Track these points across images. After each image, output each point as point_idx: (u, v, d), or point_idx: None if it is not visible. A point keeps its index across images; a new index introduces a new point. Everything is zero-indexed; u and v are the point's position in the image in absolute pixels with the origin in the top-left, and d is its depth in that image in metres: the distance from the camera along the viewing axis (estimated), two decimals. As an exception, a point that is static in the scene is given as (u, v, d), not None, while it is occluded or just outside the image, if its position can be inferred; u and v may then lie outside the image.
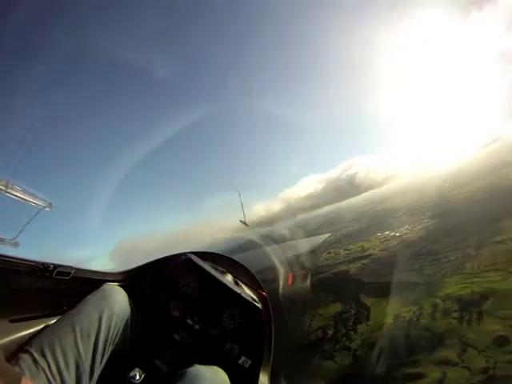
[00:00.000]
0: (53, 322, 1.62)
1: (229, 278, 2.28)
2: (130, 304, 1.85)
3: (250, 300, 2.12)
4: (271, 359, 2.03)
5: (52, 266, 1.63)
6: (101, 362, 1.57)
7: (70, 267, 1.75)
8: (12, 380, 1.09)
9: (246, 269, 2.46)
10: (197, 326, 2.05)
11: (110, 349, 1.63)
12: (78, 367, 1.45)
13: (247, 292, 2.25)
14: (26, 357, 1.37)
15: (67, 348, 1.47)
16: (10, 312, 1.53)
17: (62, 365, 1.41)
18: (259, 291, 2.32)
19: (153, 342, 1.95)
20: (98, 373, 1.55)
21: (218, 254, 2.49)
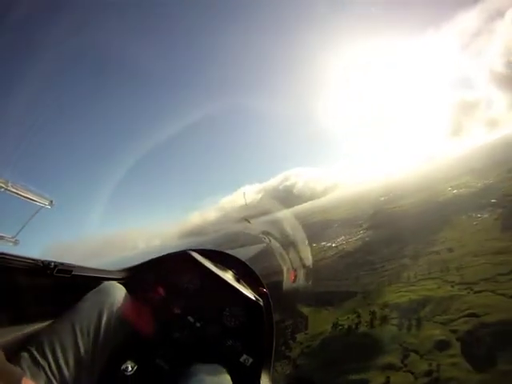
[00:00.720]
0: (54, 320, 1.68)
1: (230, 276, 2.32)
2: (131, 301, 1.93)
3: (251, 297, 2.18)
4: (273, 357, 2.08)
5: (53, 264, 1.71)
6: (101, 360, 1.65)
7: (71, 265, 1.83)
8: (13, 380, 1.15)
9: (247, 266, 2.50)
10: (198, 324, 2.12)
11: (110, 346, 1.71)
12: (78, 365, 1.53)
13: (248, 289, 2.27)
14: (26, 356, 1.44)
15: (68, 346, 1.54)
16: (10, 310, 1.59)
17: (63, 363, 1.49)
18: (260, 288, 2.34)
19: (154, 340, 2.00)
20: (99, 370, 1.63)
21: (220, 252, 2.53)
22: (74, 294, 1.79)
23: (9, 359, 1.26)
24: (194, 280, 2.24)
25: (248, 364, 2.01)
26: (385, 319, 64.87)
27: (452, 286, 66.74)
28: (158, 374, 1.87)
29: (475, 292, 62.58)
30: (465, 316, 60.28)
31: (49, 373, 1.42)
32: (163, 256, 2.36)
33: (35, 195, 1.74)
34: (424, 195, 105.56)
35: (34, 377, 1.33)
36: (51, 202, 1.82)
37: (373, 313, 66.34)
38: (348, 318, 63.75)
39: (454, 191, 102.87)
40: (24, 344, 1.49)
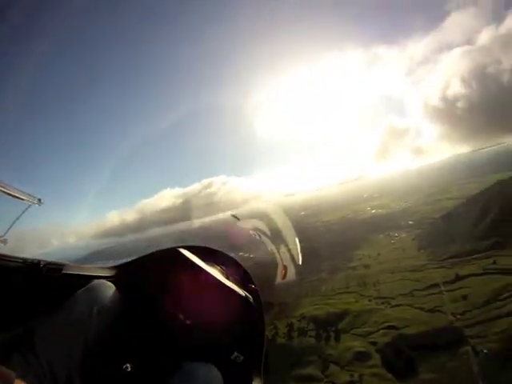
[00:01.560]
0: (44, 319, 1.63)
1: (220, 273, 2.24)
2: (121, 299, 1.91)
3: (242, 294, 2.11)
4: (263, 354, 2.06)
5: (42, 263, 1.69)
6: (93, 358, 1.63)
7: (61, 264, 1.81)
8: (4, 382, 1.13)
9: (237, 263, 2.43)
10: (188, 321, 2.06)
11: (101, 344, 1.69)
12: (69, 364, 1.52)
13: (238, 286, 2.20)
14: (16, 356, 1.42)
15: (58, 345, 1.52)
16: (0, 311, 1.57)
17: (54, 362, 1.47)
18: (250, 286, 2.27)
19: (144, 337, 1.98)
20: (91, 368, 1.61)
21: (209, 248, 2.47)
22: (64, 293, 1.76)
23: (0, 360, 1.28)
24: (184, 277, 2.16)
25: (239, 361, 2.00)
26: (303, 331, 62.88)
27: (369, 300, 67.27)
28: (148, 372, 1.85)
29: (392, 306, 63.67)
30: (383, 328, 60.27)
31: (40, 372, 1.41)
32: (152, 253, 2.31)
33: (23, 194, 1.76)
34: (344, 213, 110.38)
35: (25, 377, 1.28)
36: (39, 200, 1.85)
37: (290, 324, 64.26)
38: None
39: (373, 211, 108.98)
40: (15, 344, 1.46)
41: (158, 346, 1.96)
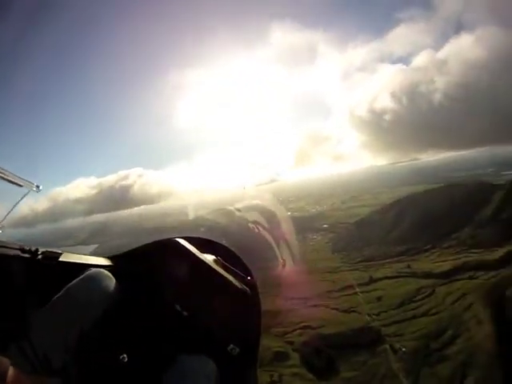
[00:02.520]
0: (39, 307, 1.64)
1: (218, 264, 2.25)
2: (118, 289, 1.92)
3: (240, 286, 2.13)
4: (259, 347, 2.10)
5: (39, 251, 1.76)
6: (88, 347, 1.66)
7: (57, 252, 1.85)
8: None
9: (235, 255, 2.45)
10: (185, 313, 2.07)
11: (97, 333, 1.72)
12: (65, 353, 1.54)
13: (236, 278, 2.21)
14: (12, 345, 1.44)
15: (54, 334, 1.54)
16: None
17: (49, 351, 1.48)
18: (248, 277, 2.28)
19: (141, 327, 2.00)
20: (86, 357, 1.66)
21: (208, 240, 2.51)
22: (61, 281, 1.76)
23: None
24: (182, 268, 2.14)
25: (235, 354, 2.01)
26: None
27: (285, 301, 65.81)
28: (144, 363, 1.85)
29: (308, 306, 63.12)
30: (300, 328, 58.99)
31: (36, 362, 1.41)
32: (151, 243, 2.32)
33: (21, 180, 1.78)
34: (258, 215, 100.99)
35: (20, 366, 1.31)
36: (38, 186, 1.90)
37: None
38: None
39: (289, 213, 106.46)
40: (10, 333, 1.46)
41: (154, 337, 1.95)
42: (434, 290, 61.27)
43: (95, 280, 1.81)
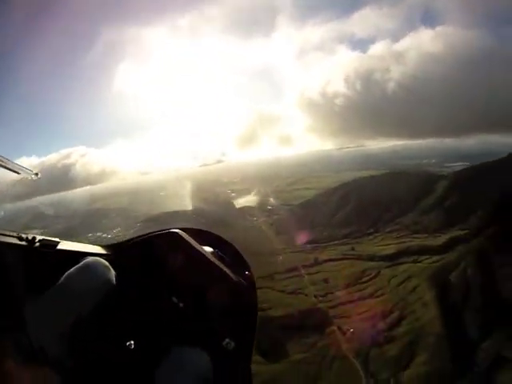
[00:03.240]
0: (37, 296, 1.65)
1: (216, 256, 2.26)
2: (115, 278, 1.91)
3: (236, 279, 2.14)
4: (254, 342, 2.08)
5: (37, 239, 1.74)
6: (85, 336, 1.67)
7: (55, 240, 1.86)
8: None
9: (233, 247, 2.45)
10: (182, 305, 2.06)
11: (93, 323, 1.72)
12: (61, 342, 1.55)
13: (233, 271, 2.22)
14: (8, 335, 1.43)
15: (50, 323, 1.55)
16: None
17: (46, 341, 1.49)
18: (245, 271, 2.29)
19: (136, 318, 1.99)
20: (82, 347, 1.65)
21: (206, 232, 2.50)
22: (59, 270, 1.75)
23: None
24: (180, 260, 2.13)
25: (230, 348, 1.96)
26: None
27: None
28: (138, 354, 1.82)
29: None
30: None
31: (32, 351, 1.40)
32: (150, 234, 2.26)
33: (20, 168, 1.73)
34: (205, 195, 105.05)
35: (17, 356, 1.32)
36: (36, 174, 1.84)
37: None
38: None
39: (233, 194, 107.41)
40: (6, 323, 1.45)
41: (149, 328, 1.94)
42: (379, 273, 62.73)
43: (92, 269, 1.79)
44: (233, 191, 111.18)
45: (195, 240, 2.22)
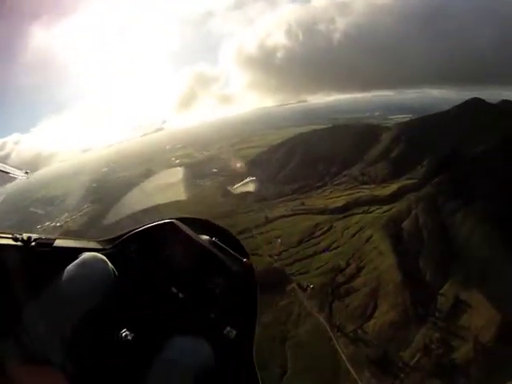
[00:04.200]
0: (36, 295, 1.66)
1: (215, 245, 2.26)
2: (113, 272, 1.92)
3: (236, 268, 2.14)
4: (255, 330, 2.09)
5: (32, 238, 1.74)
6: (85, 331, 1.66)
7: (51, 238, 1.87)
8: None
9: (232, 236, 2.44)
10: (181, 295, 2.07)
11: (93, 317, 1.71)
12: (62, 339, 1.55)
13: (233, 260, 2.21)
14: (10, 335, 1.45)
15: (50, 321, 1.54)
16: None
17: (47, 340, 1.48)
18: (245, 259, 2.24)
19: (136, 310, 2.01)
20: (83, 342, 1.66)
21: (204, 220, 2.51)
22: (56, 267, 1.74)
23: None
24: (179, 250, 2.14)
25: (232, 336, 1.97)
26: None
27: None
28: (139, 344, 1.83)
29: None
30: None
31: (33, 351, 1.41)
32: (147, 225, 2.24)
33: (10, 168, 1.78)
34: (149, 165, 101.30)
35: (19, 355, 1.34)
36: (26, 172, 1.88)
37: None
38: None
39: (178, 161, 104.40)
40: (7, 323, 1.46)
41: (149, 320, 1.95)
42: (331, 226, 62.96)
43: (89, 264, 1.79)
44: (176, 158, 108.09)
45: (191, 229, 2.22)
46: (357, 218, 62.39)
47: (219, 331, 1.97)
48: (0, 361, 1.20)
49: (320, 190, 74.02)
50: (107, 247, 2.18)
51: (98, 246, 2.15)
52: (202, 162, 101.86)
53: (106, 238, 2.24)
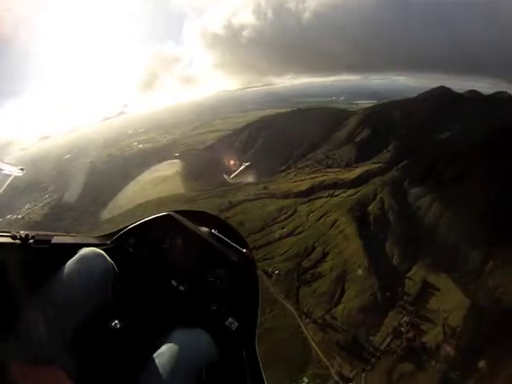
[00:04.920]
0: (36, 294, 1.66)
1: (214, 237, 2.29)
2: (113, 267, 1.92)
3: (236, 259, 2.17)
4: (258, 320, 2.11)
5: (30, 235, 1.74)
6: (85, 327, 1.66)
7: (49, 235, 1.87)
8: (1, 369, 1.22)
9: (231, 227, 2.47)
10: (181, 288, 2.09)
11: (94, 312, 1.72)
12: (63, 337, 1.55)
13: (232, 250, 2.26)
14: (11, 336, 1.46)
15: (51, 319, 1.54)
16: None
17: (48, 338, 1.49)
18: (244, 250, 2.29)
19: (136, 304, 2.02)
20: (84, 338, 1.67)
21: (203, 212, 2.53)
22: (55, 264, 1.74)
23: None
24: (178, 243, 2.17)
25: (233, 328, 2.00)
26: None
27: None
28: (140, 339, 1.84)
29: None
30: None
31: (36, 351, 1.42)
32: (145, 219, 2.26)
33: (4, 164, 1.78)
34: (111, 151, 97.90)
35: (21, 357, 1.34)
36: (21, 169, 1.87)
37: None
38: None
39: (140, 146, 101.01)
40: (7, 323, 1.46)
41: (150, 314, 1.95)
42: (295, 210, 61.53)
43: (88, 260, 1.78)
44: (139, 142, 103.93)
45: (191, 221, 2.22)
46: (321, 201, 61.27)
47: (221, 323, 1.99)
48: (1, 360, 1.20)
49: (283, 174, 72.28)
50: (106, 242, 2.14)
51: (97, 242, 2.11)
52: (165, 146, 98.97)
53: (104, 234, 2.21)
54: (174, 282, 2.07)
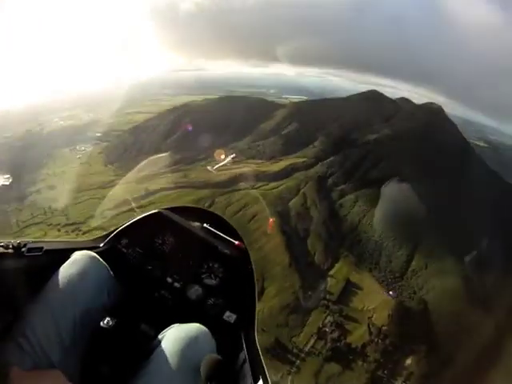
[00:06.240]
0: (32, 301, 1.67)
1: (207, 232, 2.30)
2: (106, 269, 1.93)
3: (229, 253, 2.18)
4: (256, 312, 2.11)
5: (22, 244, 1.76)
6: (83, 331, 1.67)
7: (41, 242, 1.89)
8: (1, 374, 1.24)
9: (223, 220, 2.47)
10: (177, 284, 2.10)
11: (90, 314, 1.72)
12: (61, 342, 1.55)
13: (226, 245, 2.26)
14: (10, 343, 1.47)
15: (47, 325, 1.56)
16: None
17: (46, 343, 1.50)
18: (238, 243, 2.30)
19: (133, 304, 2.03)
20: (82, 341, 1.67)
21: (194, 207, 2.55)
22: (49, 271, 1.75)
23: None
24: (170, 240, 2.18)
25: (232, 321, 2.04)
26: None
27: (59, 230, 56.15)
28: (138, 338, 1.85)
29: (84, 232, 53.37)
30: None
31: (34, 356, 1.44)
32: (136, 219, 2.26)
33: None
34: (28, 127, 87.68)
35: (20, 364, 1.36)
36: (8, 177, 2.53)
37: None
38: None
39: (61, 122, 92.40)
40: (6, 331, 1.49)
41: (147, 312, 1.96)
42: (213, 201, 57.47)
43: (81, 263, 1.79)
44: (61, 118, 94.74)
45: (183, 217, 2.22)
46: (241, 193, 57.90)
47: (219, 317, 2.02)
48: (2, 368, 1.22)
49: (204, 163, 67.28)
50: (98, 245, 2.13)
51: (89, 245, 2.09)
52: (87, 124, 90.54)
53: (96, 237, 2.20)
54: (169, 279, 2.07)
